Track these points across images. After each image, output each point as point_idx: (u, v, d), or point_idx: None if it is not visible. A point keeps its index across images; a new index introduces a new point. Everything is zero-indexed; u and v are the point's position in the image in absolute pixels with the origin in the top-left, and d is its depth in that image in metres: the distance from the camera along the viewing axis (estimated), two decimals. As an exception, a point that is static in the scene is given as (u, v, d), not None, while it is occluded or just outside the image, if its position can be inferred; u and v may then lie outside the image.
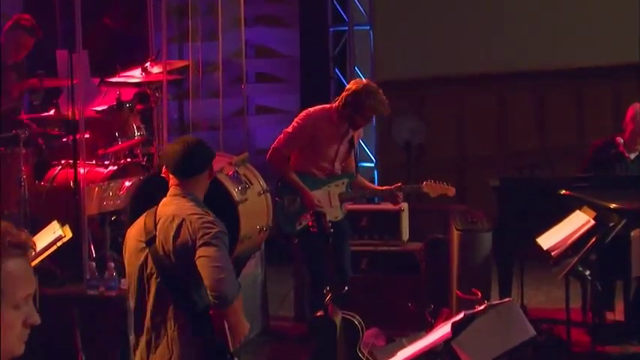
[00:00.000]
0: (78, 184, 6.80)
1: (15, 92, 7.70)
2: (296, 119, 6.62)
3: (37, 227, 5.68)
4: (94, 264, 6.54)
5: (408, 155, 9.93)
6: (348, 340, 5.79)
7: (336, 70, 10.43)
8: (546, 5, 10.67)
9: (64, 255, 6.19)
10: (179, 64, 8.33)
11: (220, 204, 5.75)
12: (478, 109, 10.75)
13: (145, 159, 7.71)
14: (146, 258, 4.33)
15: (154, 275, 4.30)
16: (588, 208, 6.24)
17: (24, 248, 2.26)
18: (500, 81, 10.74)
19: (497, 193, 7.41)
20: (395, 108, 10.25)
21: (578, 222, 6.10)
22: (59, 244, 5.33)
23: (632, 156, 7.52)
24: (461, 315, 4.23)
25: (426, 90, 10.63)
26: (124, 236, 4.58)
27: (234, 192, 5.90)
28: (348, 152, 6.70)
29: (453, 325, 4.16)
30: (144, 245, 4.33)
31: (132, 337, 4.49)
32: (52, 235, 5.35)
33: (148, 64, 7.75)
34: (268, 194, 6.23)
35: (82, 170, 6.87)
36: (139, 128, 7.60)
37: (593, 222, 5.99)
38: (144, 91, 7.89)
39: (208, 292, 4.15)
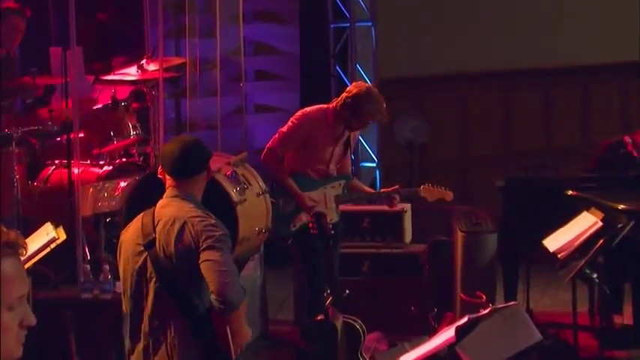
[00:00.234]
0: (72, 185, 6.79)
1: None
2: (292, 119, 6.63)
3: (30, 229, 5.67)
4: (88, 266, 6.53)
5: (411, 155, 9.93)
6: (350, 344, 5.79)
7: (337, 68, 10.42)
8: (551, 1, 10.67)
9: (58, 257, 6.19)
10: (176, 61, 8.32)
11: (218, 205, 5.74)
12: (482, 108, 10.74)
13: (140, 159, 7.70)
14: (144, 261, 4.32)
15: (154, 279, 4.29)
16: (596, 209, 6.23)
17: (14, 247, 2.26)
18: (505, 79, 10.74)
19: (502, 193, 7.41)
20: (397, 106, 10.34)
21: (585, 223, 6.09)
22: (53, 246, 5.32)
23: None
24: (465, 319, 4.22)
25: (429, 88, 10.62)
26: (118, 238, 4.57)
27: (233, 193, 5.89)
28: (343, 154, 6.71)
29: (457, 329, 4.15)
30: (142, 248, 4.32)
31: (127, 342, 4.48)
32: (45, 236, 5.34)
33: (144, 61, 7.74)
34: (267, 195, 6.22)
35: (76, 170, 6.87)
36: (134, 127, 7.59)
37: (600, 223, 5.98)
38: (140, 89, 7.88)
39: (214, 297, 4.14)
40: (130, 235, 4.43)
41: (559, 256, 6.01)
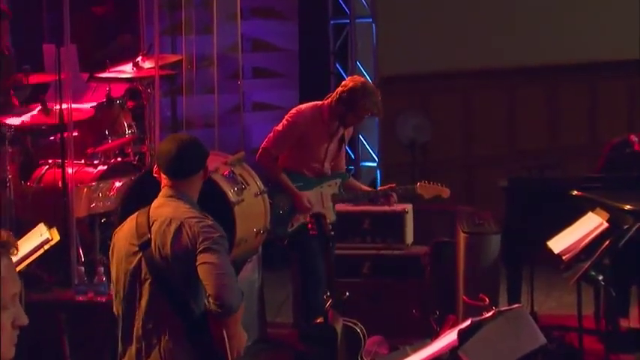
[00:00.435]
0: (66, 185, 6.80)
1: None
2: (286, 117, 6.67)
3: (23, 230, 5.68)
4: (82, 268, 6.54)
5: (413, 154, 9.94)
6: (350, 348, 5.79)
7: (337, 65, 10.43)
8: (558, -4, 10.69)
9: (52, 259, 6.20)
10: (172, 58, 8.33)
11: (215, 205, 5.75)
12: (486, 106, 10.74)
13: (136, 158, 7.72)
14: (139, 262, 4.32)
15: (148, 280, 4.29)
16: (601, 209, 6.23)
17: (5, 247, 2.28)
18: (509, 76, 10.74)
19: (506, 193, 7.41)
20: (399, 105, 10.34)
21: (590, 224, 6.10)
22: (46, 247, 5.33)
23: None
24: (468, 322, 4.23)
25: (432, 86, 10.63)
26: (111, 238, 4.57)
27: (230, 193, 5.90)
28: (337, 151, 6.75)
29: (460, 332, 4.16)
30: (137, 249, 4.33)
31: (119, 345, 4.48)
32: (38, 238, 5.35)
33: (139, 58, 7.75)
34: (265, 195, 6.23)
35: (70, 170, 6.87)
36: (130, 126, 7.60)
37: (606, 224, 5.99)
38: (135, 87, 7.89)
39: (211, 300, 4.14)
40: (124, 235, 4.43)
41: (564, 257, 6.01)
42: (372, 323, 6.26)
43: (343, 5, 10.36)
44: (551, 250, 6.14)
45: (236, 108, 9.38)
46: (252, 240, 6.12)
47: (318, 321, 5.61)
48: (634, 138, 7.52)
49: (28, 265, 5.39)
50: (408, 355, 4.50)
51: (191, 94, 8.66)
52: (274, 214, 6.47)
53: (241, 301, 4.19)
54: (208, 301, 4.20)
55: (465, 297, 6.68)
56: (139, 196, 5.21)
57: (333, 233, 5.87)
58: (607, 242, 5.91)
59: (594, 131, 10.76)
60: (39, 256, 5.37)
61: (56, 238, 5.38)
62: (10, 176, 6.95)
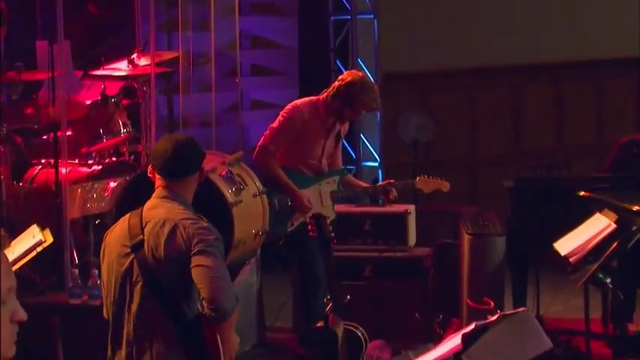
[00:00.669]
0: (59, 185, 6.80)
1: None
2: (281, 113, 6.70)
3: (15, 231, 5.68)
4: (76, 271, 6.54)
5: (415, 154, 9.94)
6: (350, 353, 5.79)
7: (338, 63, 10.43)
8: (565, -8, 10.69)
9: (45, 261, 6.20)
10: (168, 55, 8.33)
11: (213, 206, 5.75)
12: (491, 105, 10.75)
13: (131, 158, 7.72)
14: (131, 264, 4.32)
15: (140, 283, 4.29)
16: (609, 210, 6.23)
17: (3, 241, 2.29)
18: (515, 74, 10.75)
19: (511, 194, 7.41)
20: (401, 103, 10.35)
21: (598, 225, 6.10)
22: (39, 249, 5.33)
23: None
24: (472, 326, 4.22)
25: (435, 84, 10.63)
26: (102, 240, 4.57)
27: (228, 193, 5.90)
28: (334, 148, 6.78)
29: (464, 336, 4.15)
30: (129, 250, 4.33)
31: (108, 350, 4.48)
32: (31, 239, 5.35)
33: (134, 55, 7.75)
34: (264, 196, 6.24)
35: (63, 170, 6.87)
36: (125, 125, 7.60)
37: (614, 225, 5.99)
38: (130, 85, 7.89)
39: (206, 303, 4.14)
40: (116, 236, 4.43)
41: (571, 259, 6.01)
42: (373, 327, 6.26)
43: (344, 1, 10.37)
44: (557, 252, 6.14)
45: (234, 106, 9.38)
46: (250, 242, 6.12)
47: (319, 325, 5.62)
48: (642, 137, 7.52)
49: (20, 268, 5.39)
50: (410, 360, 4.49)
51: (188, 92, 8.66)
52: (273, 214, 6.48)
53: (236, 305, 4.19)
54: (202, 305, 4.20)
55: (469, 300, 6.68)
56: (135, 196, 5.20)
57: (333, 235, 5.87)
58: (615, 244, 5.91)
59: (601, 130, 10.77)
60: (32, 258, 5.37)
61: (49, 239, 5.38)
62: (1, 177, 6.95)
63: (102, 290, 4.51)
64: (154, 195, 4.45)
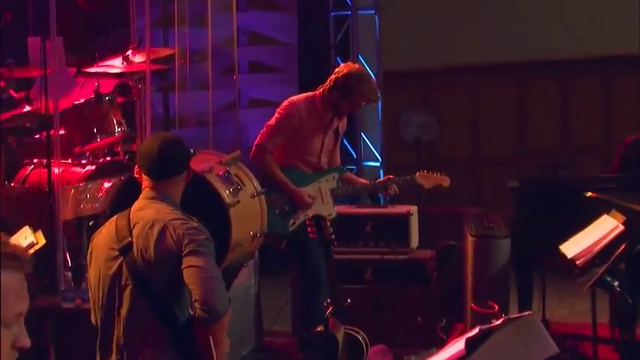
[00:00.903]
0: (52, 186, 6.79)
1: None
2: (278, 110, 6.72)
3: (6, 233, 5.67)
4: (69, 274, 6.54)
5: (417, 153, 9.94)
6: (351, 358, 5.79)
7: (338, 60, 10.42)
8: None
9: (37, 264, 6.16)
10: (164, 52, 8.32)
11: (210, 207, 5.76)
12: (495, 103, 10.75)
13: (126, 157, 7.71)
14: (119, 267, 4.32)
15: (130, 286, 4.29)
16: (617, 211, 6.23)
17: (20, 261, 2.26)
18: (519, 71, 10.74)
19: (516, 195, 7.41)
20: (403, 101, 10.35)
21: (605, 227, 6.09)
22: (31, 251, 5.32)
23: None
24: (476, 330, 4.22)
25: (437, 81, 10.63)
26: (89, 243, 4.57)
27: (225, 194, 5.90)
28: (334, 144, 6.79)
29: (468, 341, 4.15)
30: (117, 253, 4.33)
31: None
32: (23, 241, 5.35)
33: (129, 52, 7.74)
34: (263, 196, 6.23)
35: (56, 170, 6.87)
36: (119, 123, 7.59)
37: (622, 227, 5.98)
38: (125, 83, 7.88)
39: (198, 305, 4.15)
40: (103, 239, 4.43)
41: (577, 262, 6.00)
42: (374, 332, 6.26)
43: (344, -4, 10.37)
44: (563, 255, 6.13)
45: (231, 104, 9.38)
46: (248, 244, 6.12)
47: (318, 329, 5.62)
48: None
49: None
50: (413, 366, 4.50)
51: (184, 90, 8.66)
52: (273, 214, 6.49)
53: (229, 306, 4.20)
54: (194, 307, 4.20)
55: (472, 304, 6.67)
56: (129, 197, 5.19)
57: (333, 236, 5.87)
58: (623, 246, 5.90)
59: (608, 129, 10.76)
60: (28, 268, 5.35)
61: (41, 241, 5.38)
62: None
63: (89, 295, 4.50)
64: (141, 196, 4.46)
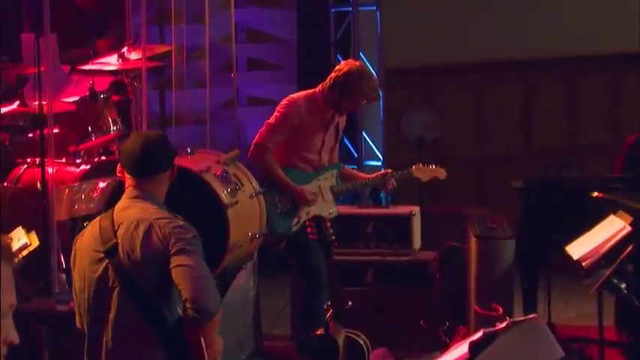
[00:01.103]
0: (46, 186, 6.80)
1: None
2: (278, 108, 6.72)
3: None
4: (63, 276, 6.54)
5: (420, 153, 9.93)
6: (352, 362, 5.80)
7: (339, 57, 10.43)
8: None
9: (30, 266, 6.19)
10: (160, 49, 8.32)
11: (207, 208, 5.77)
12: (500, 101, 10.75)
13: (121, 157, 7.70)
14: (105, 270, 4.33)
15: (117, 289, 4.30)
16: (624, 212, 6.24)
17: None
18: (526, 69, 10.75)
19: (521, 195, 7.41)
20: (405, 99, 10.35)
21: (612, 228, 6.10)
22: (25, 253, 5.33)
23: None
24: (480, 333, 4.23)
25: (441, 79, 10.63)
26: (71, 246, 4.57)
27: (223, 194, 5.91)
28: (334, 142, 6.82)
29: (471, 345, 4.16)
30: (102, 255, 4.34)
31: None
32: (16, 243, 5.35)
33: (125, 49, 7.75)
34: (261, 197, 6.24)
35: (50, 170, 6.87)
36: (114, 122, 7.60)
37: (629, 228, 5.99)
38: (121, 80, 7.89)
39: (189, 304, 4.16)
40: (87, 241, 4.44)
41: (583, 264, 6.01)
42: (376, 335, 6.26)
43: (345, -8, 10.38)
44: (569, 256, 6.14)
45: (229, 103, 9.38)
46: (247, 245, 6.13)
47: (319, 332, 5.62)
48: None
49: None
50: (415, 369, 4.51)
51: (181, 88, 8.66)
52: (274, 214, 6.50)
53: (220, 304, 4.21)
54: (184, 306, 4.21)
55: (476, 307, 6.68)
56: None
57: (334, 237, 5.88)
58: (630, 247, 5.91)
59: (616, 128, 10.76)
60: (17, 262, 5.36)
61: (35, 243, 5.39)
62: (-15, 176, 6.96)
63: (74, 300, 4.51)
64: (124, 195, 4.47)
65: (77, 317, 4.47)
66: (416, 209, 7.65)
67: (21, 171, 7.26)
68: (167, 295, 4.26)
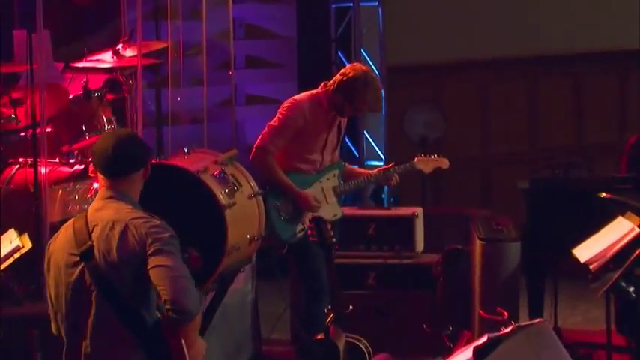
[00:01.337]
0: (39, 187, 6.80)
1: None
2: (280, 110, 6.70)
3: (-9, 236, 5.68)
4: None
5: (423, 152, 9.93)
6: (353, 367, 5.80)
7: (339, 54, 10.44)
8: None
9: (23, 268, 6.19)
10: (156, 46, 8.32)
11: (204, 209, 5.76)
12: (504, 100, 10.75)
13: (116, 157, 7.69)
14: (81, 273, 4.33)
15: (94, 292, 4.30)
16: (632, 213, 6.24)
17: None
18: (531, 66, 10.75)
19: (527, 196, 7.42)
20: (408, 98, 10.35)
21: (620, 230, 6.10)
22: (17, 255, 5.33)
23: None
24: (484, 338, 4.23)
25: (445, 77, 10.64)
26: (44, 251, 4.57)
27: (221, 195, 5.90)
28: (337, 142, 6.83)
29: (476, 349, 4.16)
30: (77, 259, 4.34)
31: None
32: (8, 245, 5.35)
33: (120, 46, 7.75)
34: (260, 198, 6.24)
35: (43, 170, 6.87)
36: (109, 121, 7.59)
37: (637, 230, 5.99)
38: (115, 78, 7.88)
39: (168, 305, 4.17)
40: (60, 245, 4.44)
41: (591, 267, 6.01)
42: (378, 339, 6.26)
43: (346, -13, 10.39)
44: (576, 259, 6.14)
45: (227, 101, 9.38)
46: (245, 247, 6.12)
47: (319, 337, 5.62)
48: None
49: (-4, 276, 5.39)
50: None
51: (177, 86, 8.66)
52: (278, 221, 6.50)
53: (200, 305, 4.22)
54: (163, 308, 4.22)
55: (481, 311, 6.68)
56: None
57: (335, 240, 5.88)
58: (638, 250, 5.91)
59: (623, 127, 10.76)
60: (9, 265, 5.36)
61: (28, 245, 5.39)
62: (-24, 177, 6.95)
63: (50, 306, 4.50)
64: (97, 196, 4.48)
65: (53, 324, 4.48)
66: (419, 211, 7.65)
67: (13, 171, 7.26)
68: (145, 296, 4.27)
